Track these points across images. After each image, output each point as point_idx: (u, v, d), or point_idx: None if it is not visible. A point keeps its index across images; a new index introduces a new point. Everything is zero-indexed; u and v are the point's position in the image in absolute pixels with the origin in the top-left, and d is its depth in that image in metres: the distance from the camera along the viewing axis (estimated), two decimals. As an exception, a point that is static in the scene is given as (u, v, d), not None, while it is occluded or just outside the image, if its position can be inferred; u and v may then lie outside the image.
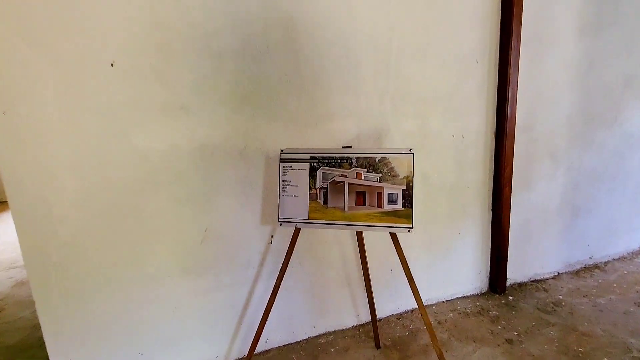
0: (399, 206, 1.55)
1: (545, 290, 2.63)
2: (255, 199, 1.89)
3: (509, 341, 2.08)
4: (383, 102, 2.08)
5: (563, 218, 2.79)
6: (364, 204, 1.59)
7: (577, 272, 2.88)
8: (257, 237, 1.94)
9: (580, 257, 2.92)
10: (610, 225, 2.98)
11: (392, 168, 1.56)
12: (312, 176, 1.66)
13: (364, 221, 1.59)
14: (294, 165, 1.68)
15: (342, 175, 1.62)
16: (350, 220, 1.61)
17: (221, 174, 1.80)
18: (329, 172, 1.64)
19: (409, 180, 1.54)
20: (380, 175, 1.57)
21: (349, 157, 1.62)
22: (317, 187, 1.65)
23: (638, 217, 3.08)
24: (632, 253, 3.11)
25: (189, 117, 1.69)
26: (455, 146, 2.33)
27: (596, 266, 2.95)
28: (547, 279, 2.79)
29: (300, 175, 1.67)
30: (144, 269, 1.72)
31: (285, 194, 1.69)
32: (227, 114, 1.76)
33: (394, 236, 1.57)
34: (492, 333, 2.16)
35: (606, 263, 2.99)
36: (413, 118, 2.18)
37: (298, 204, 1.67)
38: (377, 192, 1.58)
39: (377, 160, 1.58)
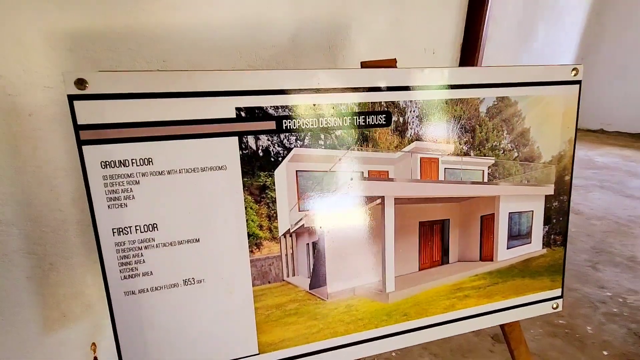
0: (534, 245, 0.53)
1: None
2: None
3: None
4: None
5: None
6: (445, 259, 0.49)
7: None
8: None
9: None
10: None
11: (525, 133, 0.49)
12: (257, 189, 0.40)
13: (444, 311, 0.50)
14: (161, 148, 0.36)
15: (374, 175, 0.44)
16: (401, 319, 0.48)
17: None
18: (318, 164, 0.41)
19: (564, 168, 0.52)
20: (493, 156, 0.48)
21: (398, 105, 0.42)
22: (283, 231, 0.41)
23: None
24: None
25: None
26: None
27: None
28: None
29: (198, 186, 0.37)
30: None
31: (132, 287, 0.37)
32: None
33: (514, 329, 0.57)
34: None
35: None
36: (387, 6, 1.05)
37: (210, 307, 0.40)
38: (482, 216, 0.50)
39: (483, 110, 0.46)
